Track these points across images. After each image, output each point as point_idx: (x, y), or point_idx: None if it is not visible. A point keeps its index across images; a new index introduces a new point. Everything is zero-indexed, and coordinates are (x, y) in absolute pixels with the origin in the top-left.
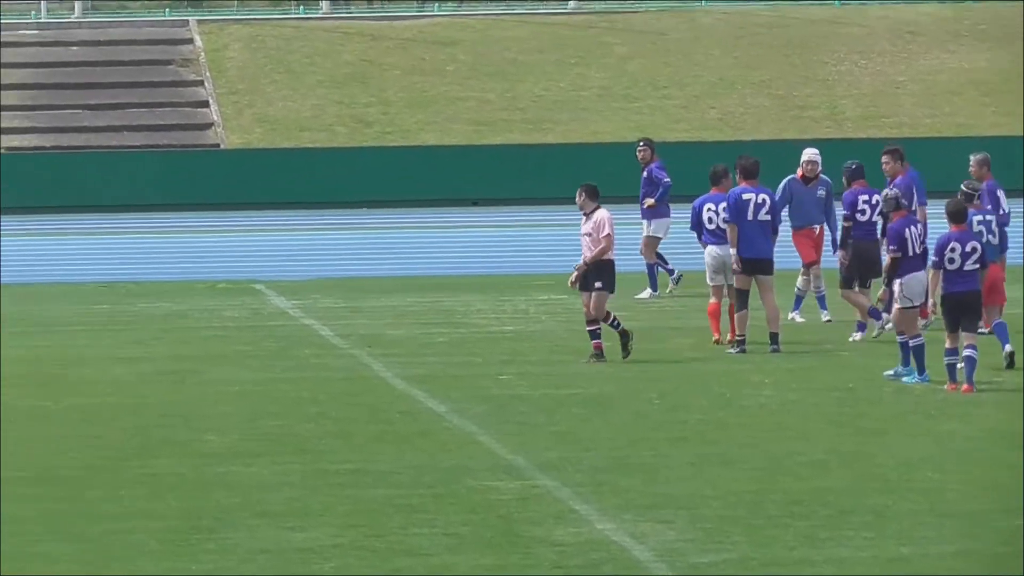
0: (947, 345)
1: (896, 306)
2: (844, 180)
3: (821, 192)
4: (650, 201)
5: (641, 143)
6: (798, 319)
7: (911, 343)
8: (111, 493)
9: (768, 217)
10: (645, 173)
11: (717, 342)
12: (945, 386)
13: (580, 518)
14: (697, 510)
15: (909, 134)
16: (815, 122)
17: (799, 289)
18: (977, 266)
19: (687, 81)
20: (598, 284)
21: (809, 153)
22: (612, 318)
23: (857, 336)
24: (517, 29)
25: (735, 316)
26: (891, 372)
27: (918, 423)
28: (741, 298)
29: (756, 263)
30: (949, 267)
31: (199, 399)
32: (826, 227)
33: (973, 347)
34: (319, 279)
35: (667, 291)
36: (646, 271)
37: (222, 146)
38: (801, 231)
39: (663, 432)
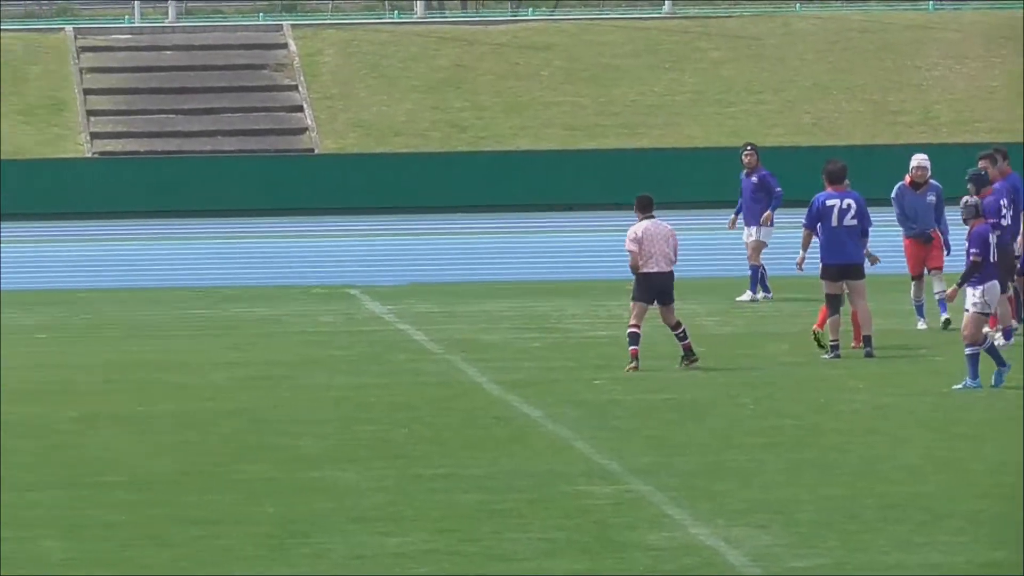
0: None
1: (972, 311)
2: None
3: (931, 197)
4: (768, 215)
5: (748, 147)
6: (921, 326)
7: (971, 351)
8: (205, 498)
9: (855, 222)
10: (755, 179)
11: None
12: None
13: (674, 523)
14: (791, 514)
15: (1004, 139)
16: (909, 127)
17: (915, 299)
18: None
19: (781, 86)
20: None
21: (918, 159)
22: (679, 328)
23: (1001, 340)
24: (611, 33)
25: (828, 321)
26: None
27: (1012, 428)
28: (833, 304)
29: (845, 268)
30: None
31: (294, 404)
32: (939, 232)
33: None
34: (413, 284)
35: (759, 297)
36: (749, 274)
37: (316, 151)
38: (913, 238)
39: (757, 437)
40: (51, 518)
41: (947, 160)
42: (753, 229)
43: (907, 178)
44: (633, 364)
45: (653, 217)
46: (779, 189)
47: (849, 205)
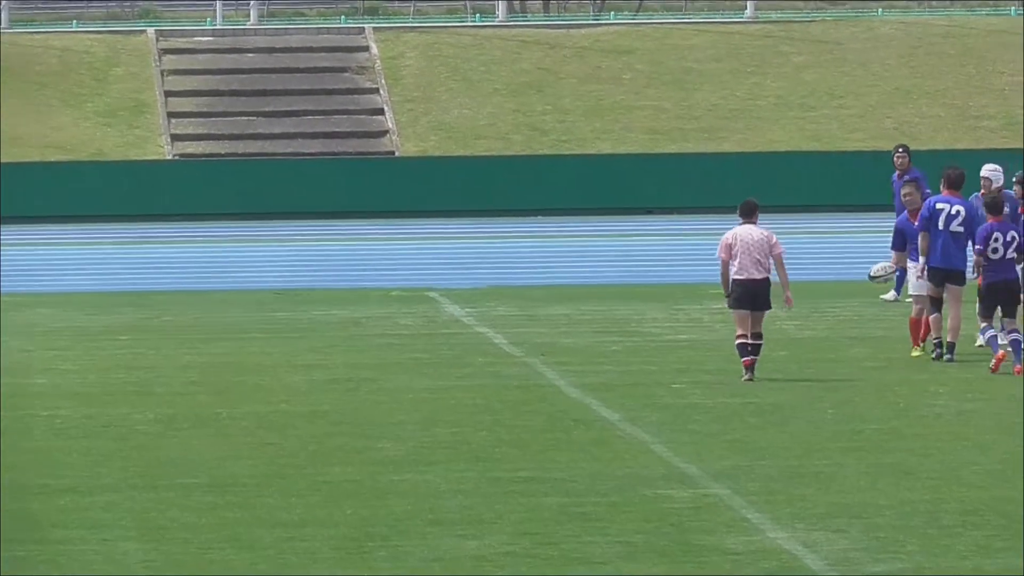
0: (984, 325)
1: None
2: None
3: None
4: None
5: (900, 149)
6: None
7: None
8: (285, 501)
9: (961, 228)
10: (908, 178)
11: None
12: (991, 362)
13: (753, 527)
14: (871, 519)
15: None
16: (991, 132)
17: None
18: (1015, 255)
19: (863, 91)
20: None
21: (986, 170)
22: (757, 340)
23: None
24: (694, 38)
25: (930, 319)
26: None
27: None
28: (934, 305)
29: (946, 273)
30: (993, 256)
31: (374, 407)
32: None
33: (1016, 331)
34: (493, 287)
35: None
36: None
37: (397, 154)
38: None
39: (838, 441)
40: (131, 520)
41: None
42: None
43: (982, 190)
44: (747, 376)
45: (753, 223)
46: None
47: (958, 211)
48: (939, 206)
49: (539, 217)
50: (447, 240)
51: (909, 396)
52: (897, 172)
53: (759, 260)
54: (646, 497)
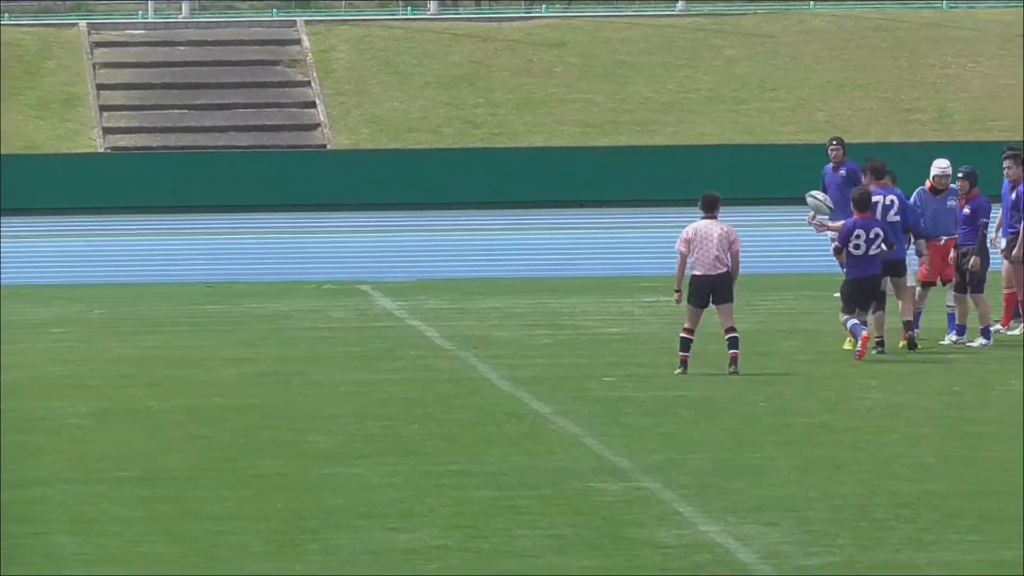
0: (845, 319)
1: None
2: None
3: (952, 203)
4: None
5: (834, 142)
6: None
7: None
8: (217, 494)
9: (897, 218)
10: (843, 172)
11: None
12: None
13: (684, 520)
14: (803, 513)
15: (1017, 137)
16: (923, 125)
17: (917, 304)
18: (879, 251)
19: (795, 84)
20: None
21: (940, 167)
22: (730, 334)
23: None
24: (626, 31)
25: (871, 317)
26: None
27: None
28: (879, 300)
29: (888, 265)
30: (855, 252)
31: (305, 400)
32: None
33: (865, 323)
34: (425, 280)
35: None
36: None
37: (329, 147)
38: (933, 244)
39: (769, 435)
40: (63, 513)
41: (961, 159)
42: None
43: (927, 183)
44: (680, 369)
45: (715, 217)
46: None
47: (892, 201)
48: (873, 198)
49: (471, 210)
50: (379, 233)
51: (840, 389)
52: (832, 165)
53: (718, 256)
54: (577, 490)
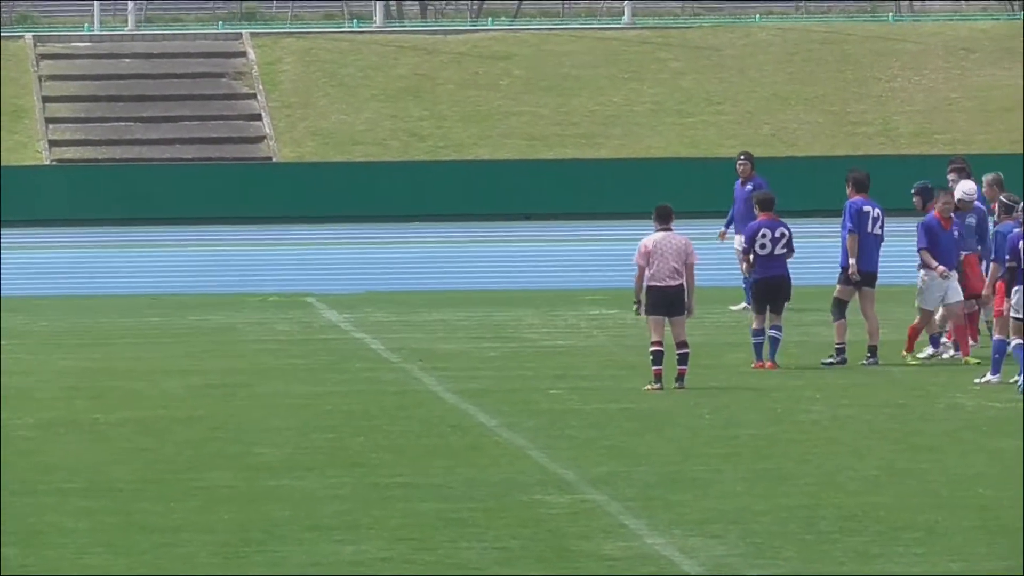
0: (754, 326)
1: (1005, 316)
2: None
3: (971, 220)
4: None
5: (742, 156)
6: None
7: (1013, 346)
8: (163, 506)
9: (880, 232)
10: (750, 187)
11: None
12: (752, 364)
13: (630, 532)
14: (748, 525)
15: (962, 150)
16: (868, 138)
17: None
18: (785, 251)
19: (741, 97)
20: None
21: (965, 191)
22: (683, 349)
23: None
24: (571, 44)
25: (835, 325)
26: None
27: (971, 439)
28: (840, 308)
29: (870, 276)
30: (760, 252)
31: (251, 412)
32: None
33: (778, 327)
34: (370, 292)
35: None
36: (743, 285)
37: (274, 159)
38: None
39: (715, 447)
40: (9, 525)
41: (905, 171)
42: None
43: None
44: (657, 385)
45: (670, 229)
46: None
47: (879, 215)
48: (865, 209)
49: (416, 223)
50: (325, 246)
51: (785, 402)
52: (740, 179)
53: (676, 268)
54: (523, 503)
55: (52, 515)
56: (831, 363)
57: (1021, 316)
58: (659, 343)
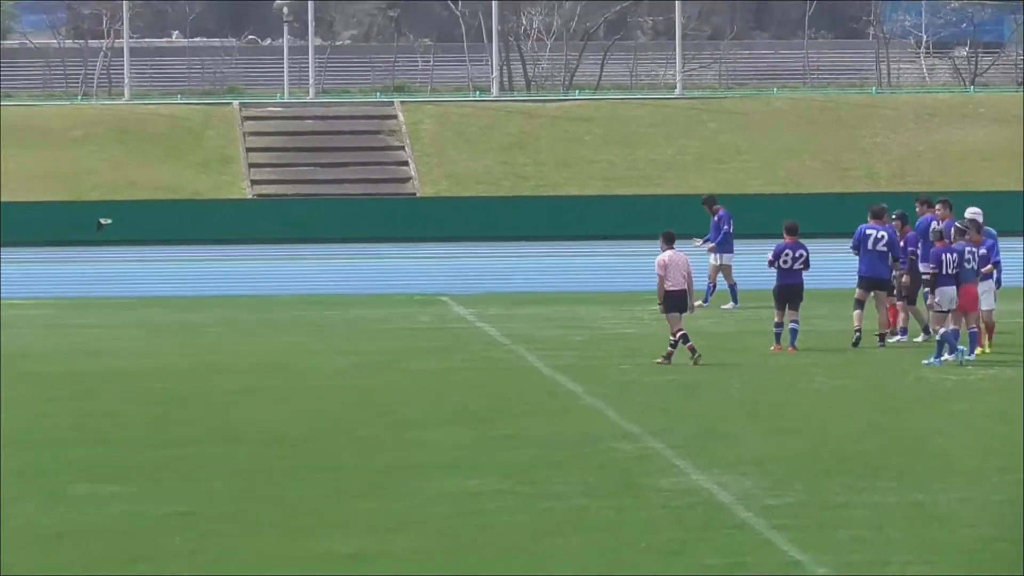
0: (775, 320)
1: (933, 311)
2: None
3: (983, 250)
4: (711, 245)
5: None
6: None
7: (941, 334)
8: (329, 451)
9: (884, 248)
10: (715, 219)
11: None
12: (771, 348)
13: (680, 471)
14: (766, 467)
15: (927, 188)
16: (856, 180)
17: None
18: (802, 267)
19: (761, 149)
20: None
21: (970, 212)
22: (681, 333)
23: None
24: (637, 109)
25: (854, 314)
26: (928, 360)
27: (933, 404)
28: (858, 305)
29: (875, 281)
30: (783, 266)
31: (397, 382)
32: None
33: (796, 321)
34: (488, 293)
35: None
36: (728, 289)
37: (417, 195)
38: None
39: (741, 409)
40: (219, 467)
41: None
42: (721, 255)
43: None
44: (664, 360)
45: (673, 248)
46: (727, 228)
47: (882, 236)
48: (868, 231)
49: (522, 242)
50: (455, 258)
51: (794, 375)
52: (712, 216)
53: (683, 276)
54: (600, 449)
55: (243, 460)
56: (857, 340)
57: (944, 309)
58: (682, 330)
